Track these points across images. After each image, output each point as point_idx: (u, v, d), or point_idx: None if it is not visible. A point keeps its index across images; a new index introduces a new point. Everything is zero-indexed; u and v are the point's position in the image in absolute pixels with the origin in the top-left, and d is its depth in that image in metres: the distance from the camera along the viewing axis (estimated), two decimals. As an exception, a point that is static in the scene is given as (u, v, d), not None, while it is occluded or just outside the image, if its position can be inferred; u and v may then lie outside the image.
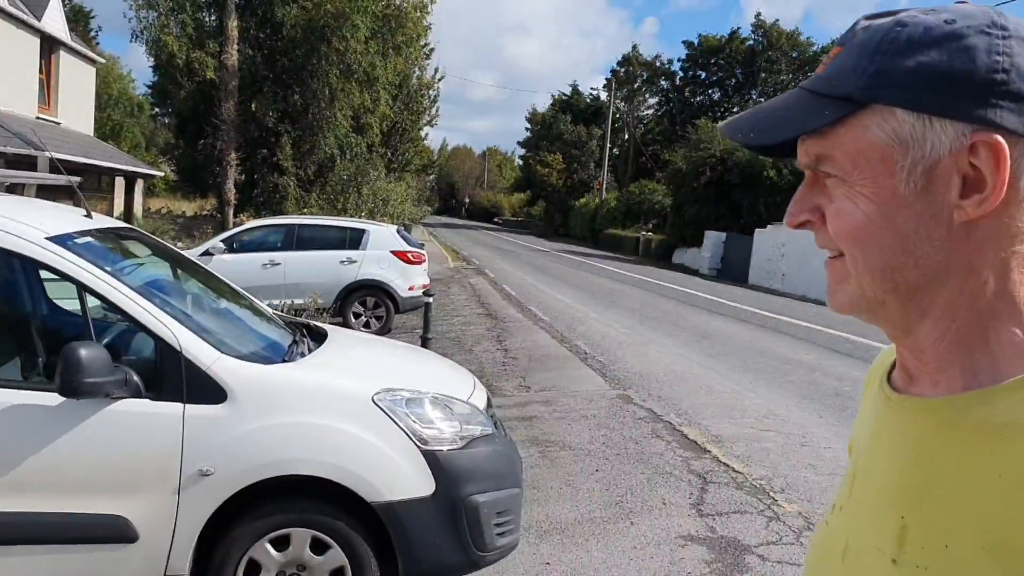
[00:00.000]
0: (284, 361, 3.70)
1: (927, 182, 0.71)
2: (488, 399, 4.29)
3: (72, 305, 3.81)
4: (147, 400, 3.19)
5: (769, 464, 6.40)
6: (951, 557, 0.70)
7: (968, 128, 0.69)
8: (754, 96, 58.36)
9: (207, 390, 3.25)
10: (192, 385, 3.24)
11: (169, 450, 3.18)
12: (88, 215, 3.98)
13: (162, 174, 35.83)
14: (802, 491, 5.79)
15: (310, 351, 3.98)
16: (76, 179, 4.50)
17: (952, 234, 0.72)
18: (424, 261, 12.69)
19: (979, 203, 0.70)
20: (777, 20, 57.67)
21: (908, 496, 0.76)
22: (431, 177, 60.64)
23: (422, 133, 38.78)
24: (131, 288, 3.34)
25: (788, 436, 7.28)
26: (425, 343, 9.05)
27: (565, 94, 68.85)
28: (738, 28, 58.87)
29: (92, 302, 3.33)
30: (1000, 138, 0.69)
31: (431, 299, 9.60)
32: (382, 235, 12.38)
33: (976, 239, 0.72)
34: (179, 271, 4.50)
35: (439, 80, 38.39)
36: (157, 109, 40.51)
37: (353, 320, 11.74)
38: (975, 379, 0.74)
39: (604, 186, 54.32)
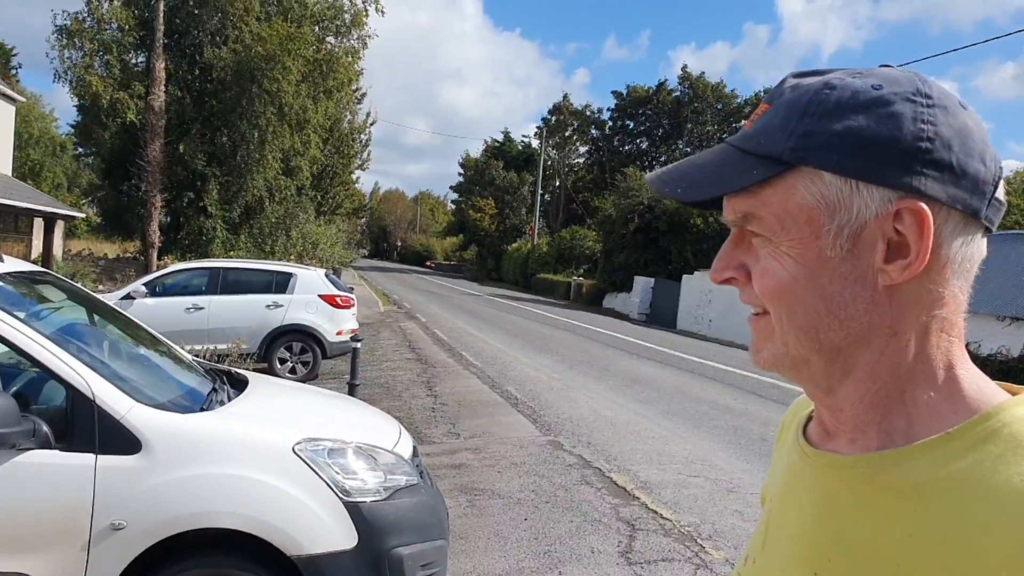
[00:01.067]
0: (202, 410, 3.60)
1: (852, 245, 0.72)
2: (414, 448, 4.24)
3: (-22, 352, 3.64)
4: (57, 451, 3.06)
5: (697, 511, 6.45)
6: None
7: (893, 194, 0.71)
8: (680, 145, 60.02)
9: (121, 440, 3.14)
10: (105, 435, 3.12)
11: (79, 503, 3.04)
12: (-1, 258, 3.84)
13: (83, 215, 34.87)
14: (729, 538, 5.83)
15: (230, 399, 3.88)
16: (-13, 221, 4.35)
17: (876, 297, 0.73)
18: (353, 305, 12.56)
19: (903, 268, 0.71)
20: (703, 72, 59.57)
21: (820, 551, 0.76)
22: (362, 220, 60.39)
23: (353, 176, 38.76)
24: (42, 334, 3.22)
25: (715, 482, 7.35)
26: (352, 390, 8.90)
27: (497, 141, 69.74)
28: (665, 80, 60.83)
29: (0, 349, 3.19)
30: (924, 205, 0.70)
31: (360, 344, 9.47)
32: (310, 279, 12.22)
33: (899, 303, 0.73)
34: (95, 316, 4.36)
35: (371, 124, 38.56)
36: (80, 149, 39.57)
37: (279, 366, 11.52)
38: (890, 439, 0.75)
39: (536, 231, 54.85)
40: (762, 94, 54.76)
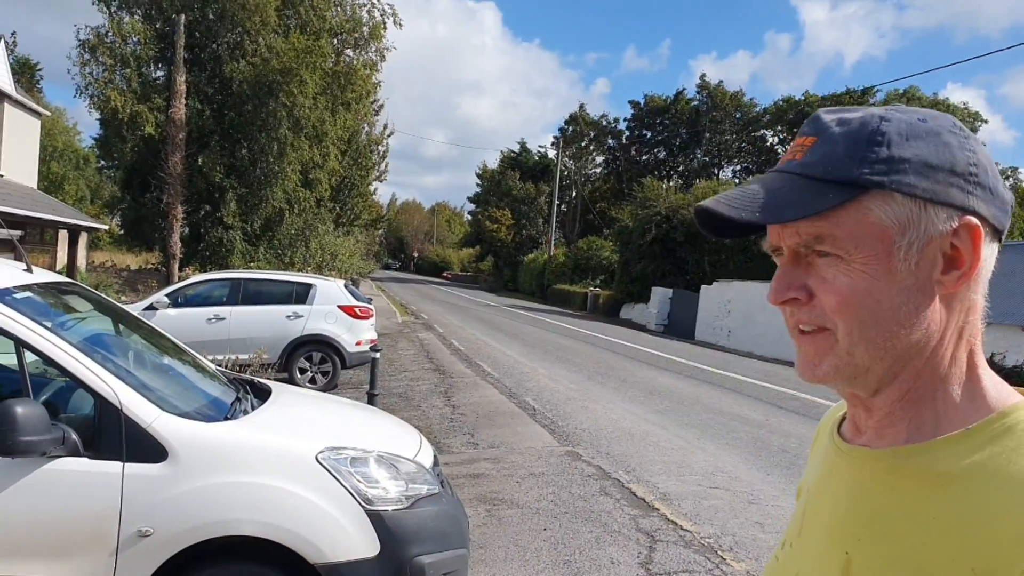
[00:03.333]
0: (227, 419, 3.64)
1: (919, 259, 0.81)
2: (435, 457, 4.26)
3: (9, 361, 3.71)
4: (85, 459, 3.11)
5: (717, 522, 6.43)
6: None
7: (956, 213, 0.80)
8: (698, 155, 59.85)
9: (147, 448, 3.18)
10: (132, 443, 3.17)
11: (107, 510, 3.09)
12: (28, 269, 3.91)
13: (107, 227, 35.24)
14: (750, 549, 5.81)
15: (253, 408, 3.93)
16: (17, 233, 4.42)
17: (934, 306, 0.82)
18: (372, 316, 12.63)
19: (957, 278, 0.81)
20: (721, 81, 59.47)
21: (852, 533, 0.85)
22: (380, 232, 60.61)
23: (371, 188, 38.91)
24: (71, 344, 3.28)
25: (736, 493, 7.33)
26: (372, 399, 8.95)
27: (514, 151, 69.82)
28: (683, 89, 60.70)
29: (30, 358, 3.25)
30: (977, 221, 0.80)
31: (378, 354, 9.52)
32: (329, 290, 12.30)
33: (948, 310, 0.83)
34: (121, 326, 4.42)
35: (388, 136, 38.75)
36: (103, 162, 40.04)
37: (299, 375, 11.59)
38: (917, 432, 0.84)
39: (553, 242, 54.85)
40: (782, 103, 54.55)
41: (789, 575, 0.95)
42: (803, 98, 55.24)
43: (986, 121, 54.98)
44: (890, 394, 0.85)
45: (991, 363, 17.54)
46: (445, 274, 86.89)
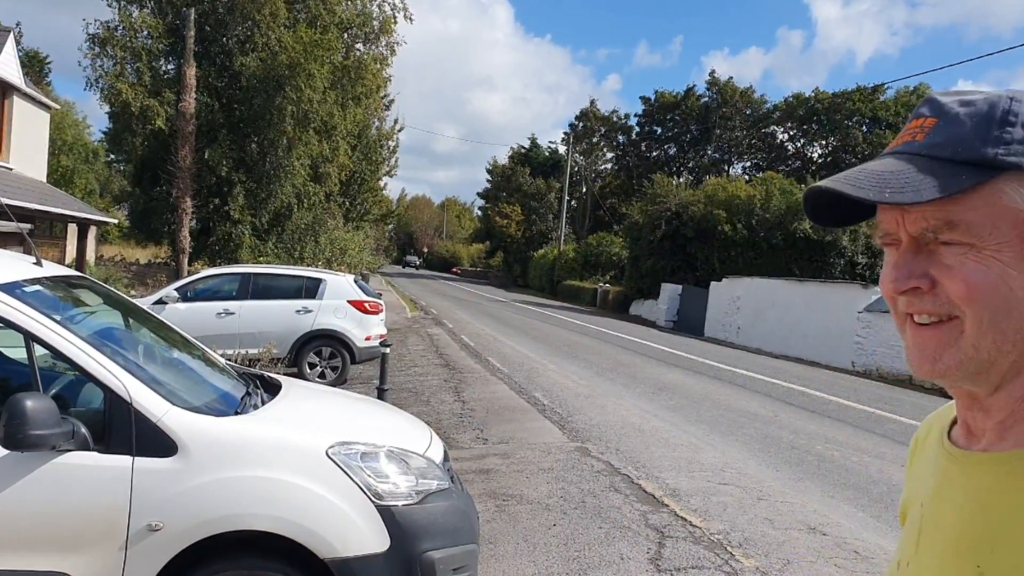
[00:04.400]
0: (237, 413, 3.63)
1: None
2: (445, 452, 4.25)
3: (19, 354, 3.71)
4: (95, 453, 3.10)
5: (727, 518, 6.40)
6: None
7: None
8: (708, 151, 59.64)
9: (157, 443, 3.18)
10: (142, 437, 3.16)
11: (116, 504, 3.09)
12: (38, 263, 3.91)
13: (116, 221, 35.33)
14: (760, 545, 5.78)
15: (263, 403, 3.92)
16: (27, 226, 4.43)
17: None
18: (381, 311, 12.62)
19: None
20: (731, 78, 59.22)
21: (982, 545, 0.79)
22: (390, 227, 60.67)
23: (381, 183, 38.92)
24: (80, 338, 3.27)
25: (745, 489, 7.29)
26: (381, 394, 8.95)
27: (524, 147, 69.77)
28: (693, 85, 60.64)
29: (40, 352, 3.25)
30: None
31: (388, 349, 9.52)
32: (339, 285, 12.30)
33: None
34: (131, 320, 4.41)
35: (399, 131, 38.76)
36: (112, 156, 40.16)
37: (308, 370, 11.60)
38: None
39: (563, 237, 54.80)
40: (792, 100, 54.25)
41: None
42: (813, 95, 55.01)
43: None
44: (1013, 391, 0.80)
45: None
46: (455, 269, 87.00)
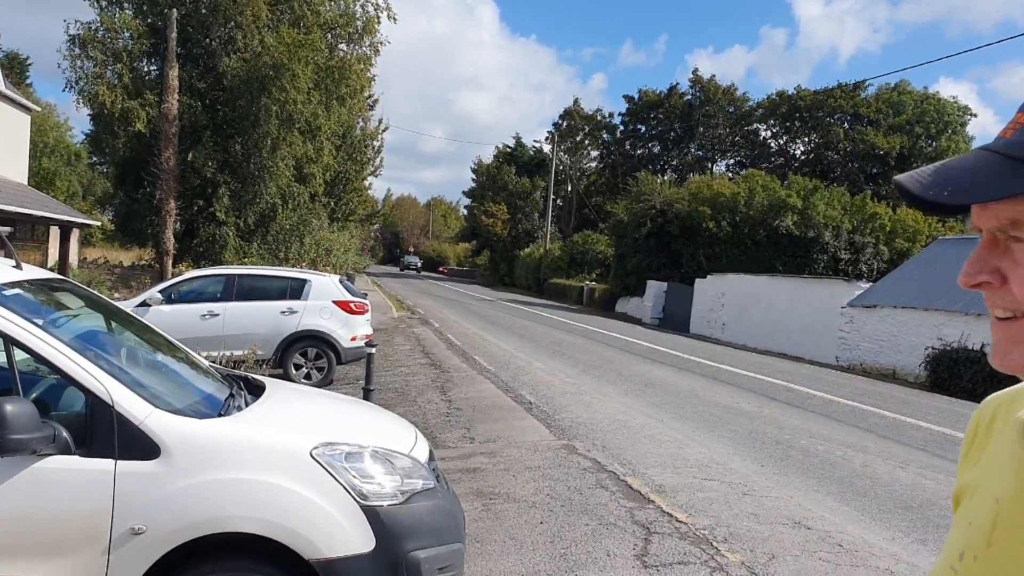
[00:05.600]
0: (220, 415, 3.62)
1: None
2: (430, 452, 4.25)
3: (-1, 359, 3.68)
4: (77, 456, 3.09)
5: (712, 513, 6.43)
6: None
7: None
8: (692, 149, 59.83)
9: (140, 446, 3.16)
10: (124, 441, 3.15)
11: (99, 508, 3.07)
12: (18, 266, 3.88)
13: (99, 223, 35.09)
14: (745, 540, 5.82)
15: (247, 405, 3.91)
16: (7, 229, 4.39)
17: None
18: (367, 311, 12.60)
19: None
20: (714, 76, 59.38)
21: None
22: (375, 227, 60.52)
23: (366, 183, 38.81)
24: (61, 341, 3.25)
25: (730, 485, 7.33)
26: (367, 395, 8.94)
27: (509, 146, 69.75)
28: (677, 83, 60.68)
29: (20, 356, 3.23)
30: None
31: (374, 350, 9.51)
32: (324, 285, 12.27)
33: None
34: (113, 323, 4.39)
35: (383, 131, 38.66)
36: (95, 158, 39.85)
37: (294, 371, 11.57)
38: None
39: (548, 236, 54.83)
40: (775, 97, 54.48)
41: None
42: (795, 92, 55.27)
43: (975, 115, 54.93)
44: None
45: (962, 348, 17.32)
46: (441, 268, 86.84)
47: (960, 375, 16.74)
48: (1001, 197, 0.77)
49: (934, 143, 51.05)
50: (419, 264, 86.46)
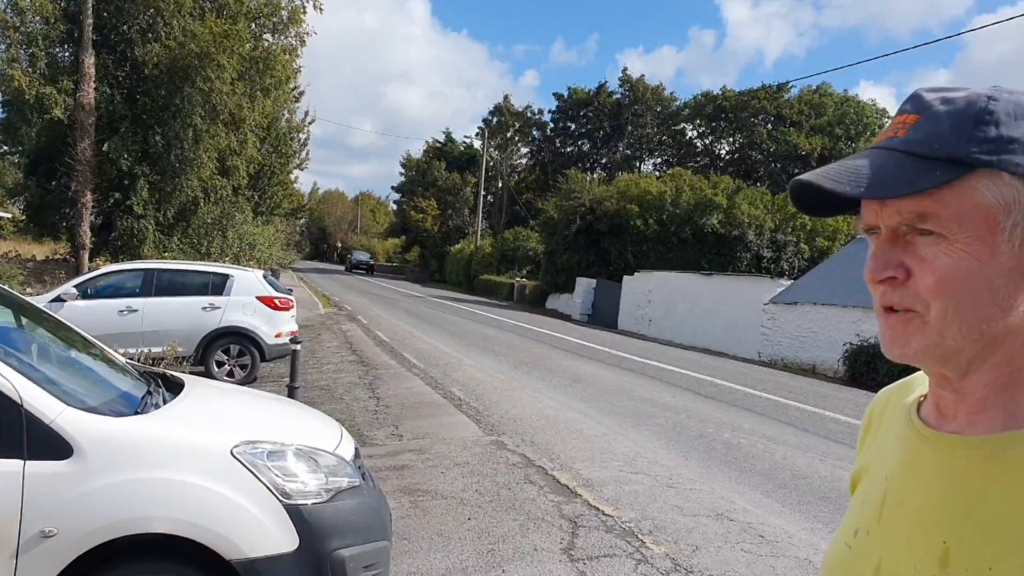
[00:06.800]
0: (136, 413, 3.51)
1: (1022, 241, 0.79)
2: (356, 449, 4.20)
3: None
4: (-19, 458, 2.95)
5: (638, 506, 6.51)
6: None
7: None
8: (621, 148, 60.53)
9: (50, 445, 3.04)
10: (33, 440, 3.02)
11: (6, 511, 2.94)
12: (-81, 258, 3.69)
13: (9, 216, 33.68)
14: (669, 532, 5.91)
15: (165, 402, 3.79)
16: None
17: None
18: (292, 307, 12.39)
19: None
20: (643, 75, 60.29)
21: (949, 523, 0.82)
22: (301, 221, 59.54)
23: (292, 176, 38.15)
24: (-35, 337, 3.10)
25: (656, 478, 7.44)
26: (292, 392, 8.78)
27: (439, 141, 69.44)
28: (606, 82, 61.29)
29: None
30: None
31: (299, 346, 9.35)
32: (247, 280, 12.01)
33: None
34: (23, 319, 4.22)
35: (310, 123, 38.07)
36: (5, 147, 38.25)
37: (216, 369, 11.30)
38: (1014, 419, 0.82)
39: (479, 232, 54.82)
40: (701, 97, 55.51)
41: (869, 563, 0.91)
42: (720, 93, 56.44)
43: (892, 117, 56.87)
44: (982, 377, 0.84)
45: (879, 343, 18.35)
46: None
47: (877, 370, 17.35)
48: (910, 192, 0.80)
49: (854, 144, 52.69)
50: (371, 262, 72.50)
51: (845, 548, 0.98)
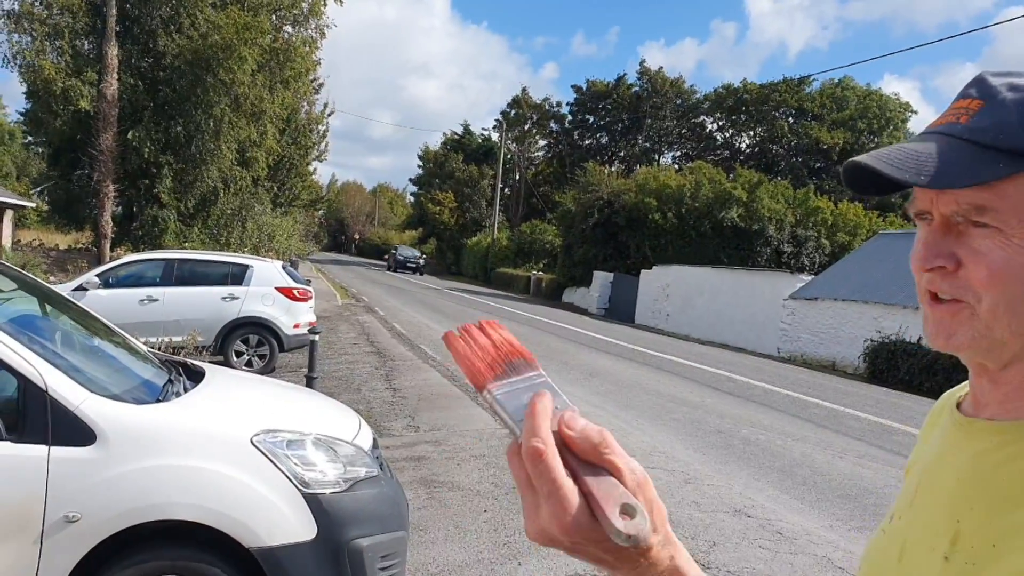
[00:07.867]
0: (158, 401, 3.55)
1: None
2: (374, 440, 4.22)
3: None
4: (7, 442, 3.00)
5: (654, 500, 6.50)
6: (996, 553, 0.77)
7: None
8: (639, 140, 60.25)
9: (75, 431, 3.08)
10: (58, 426, 3.06)
11: (31, 495, 2.99)
12: (-54, 246, 3.75)
13: (34, 205, 34.05)
14: (686, 528, 5.91)
15: (186, 390, 3.83)
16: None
17: None
18: (310, 298, 12.45)
19: None
20: (661, 68, 59.88)
21: (964, 502, 0.83)
22: (319, 213, 59.65)
23: (310, 168, 38.32)
24: (-8, 324, 3.15)
25: (672, 473, 7.43)
26: (310, 383, 8.84)
27: (457, 134, 69.42)
28: (624, 74, 60.86)
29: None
30: None
31: (317, 337, 9.40)
32: (266, 271, 12.08)
33: None
34: (48, 307, 4.27)
35: (329, 115, 38.19)
36: (30, 138, 38.51)
37: (235, 359, 11.38)
38: None
39: (496, 225, 54.79)
40: (721, 90, 55.14)
41: (895, 546, 0.92)
42: (741, 85, 56.05)
43: (916, 112, 56.36)
44: (1022, 369, 0.83)
45: (900, 340, 17.74)
46: (387, 256, 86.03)
47: (897, 367, 17.21)
48: (978, 184, 0.78)
49: (876, 139, 52.21)
50: (420, 261, 58.19)
51: (880, 533, 0.99)
